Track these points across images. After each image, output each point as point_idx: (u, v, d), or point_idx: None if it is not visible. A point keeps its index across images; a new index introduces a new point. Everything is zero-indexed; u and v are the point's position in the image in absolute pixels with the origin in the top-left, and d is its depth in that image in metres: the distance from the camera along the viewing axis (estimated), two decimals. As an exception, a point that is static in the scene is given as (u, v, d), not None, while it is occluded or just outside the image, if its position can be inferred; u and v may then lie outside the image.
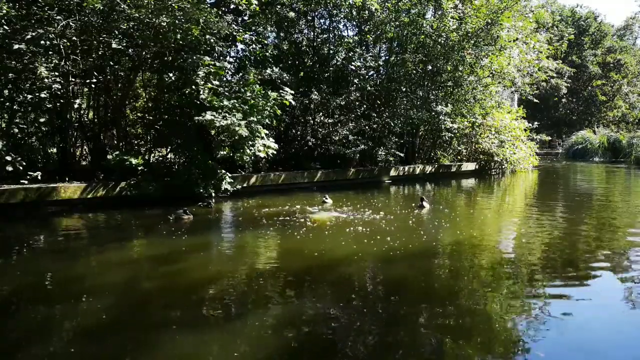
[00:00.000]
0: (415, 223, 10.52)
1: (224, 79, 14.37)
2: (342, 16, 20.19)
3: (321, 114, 19.45)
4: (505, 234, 10.08)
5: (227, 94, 13.79)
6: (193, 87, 13.33)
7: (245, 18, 16.45)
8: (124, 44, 13.06)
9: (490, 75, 22.40)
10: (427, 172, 22.52)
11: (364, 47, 20.77)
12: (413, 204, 12.53)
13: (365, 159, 20.31)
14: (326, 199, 13.09)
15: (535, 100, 34.41)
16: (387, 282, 6.83)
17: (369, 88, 19.98)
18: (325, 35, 20.53)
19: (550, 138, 54.86)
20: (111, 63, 13.91)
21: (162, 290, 6.33)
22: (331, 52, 20.04)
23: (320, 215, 11.02)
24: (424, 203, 12.38)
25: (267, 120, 14.06)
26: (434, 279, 6.86)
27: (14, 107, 12.23)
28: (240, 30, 15.18)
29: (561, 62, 47.35)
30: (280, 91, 14.56)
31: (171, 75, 13.98)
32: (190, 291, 6.29)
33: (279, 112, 14.48)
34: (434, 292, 6.35)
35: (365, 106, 20.12)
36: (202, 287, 6.48)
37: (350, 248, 8.26)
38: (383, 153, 20.39)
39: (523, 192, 18.53)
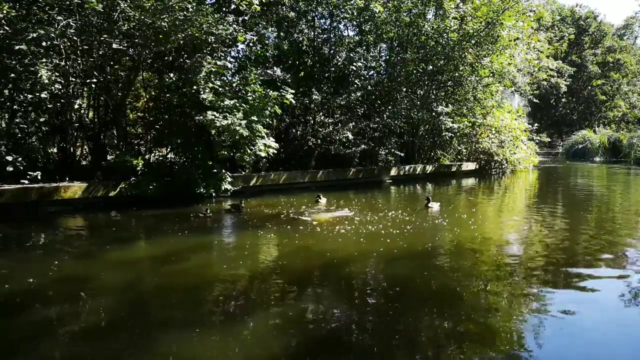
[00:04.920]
0: (416, 222, 10.40)
1: (225, 79, 14.41)
2: (342, 16, 20.13)
3: (322, 113, 19.33)
4: (507, 234, 9.99)
5: (228, 93, 13.83)
6: (194, 87, 13.36)
7: (246, 18, 16.37)
8: (125, 44, 13.04)
9: (491, 74, 22.36)
10: (428, 171, 22.41)
11: (364, 47, 20.73)
12: (425, 205, 12.32)
13: (366, 159, 20.25)
14: (320, 198, 12.99)
15: (536, 100, 34.46)
16: (390, 283, 6.74)
17: (369, 88, 19.88)
18: (325, 35, 20.47)
19: (550, 139, 54.79)
20: (111, 63, 13.88)
21: (164, 290, 6.29)
22: (332, 52, 20.01)
23: (321, 216, 10.98)
24: (431, 203, 12.26)
25: (267, 120, 14.13)
26: (436, 280, 6.76)
27: (15, 106, 12.21)
28: (241, 31, 15.14)
29: (561, 61, 47.34)
30: (281, 90, 14.52)
31: (172, 75, 13.93)
32: (192, 291, 6.22)
33: (279, 111, 14.48)
34: (437, 293, 6.28)
35: (366, 106, 20.01)
36: (204, 287, 6.41)
37: (352, 248, 8.21)
38: (383, 153, 20.37)
39: (523, 191, 18.38)
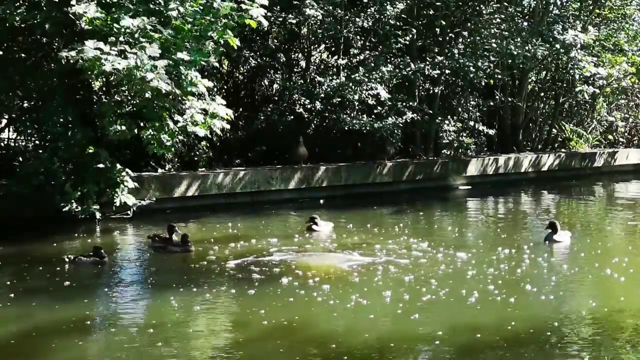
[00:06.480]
0: (526, 275, 7.84)
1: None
2: None
3: (323, 46, 14.78)
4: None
5: (129, 4, 10.08)
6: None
7: None
8: None
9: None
10: (543, 167, 16.86)
11: None
12: (548, 237, 9.62)
13: (415, 142, 15.55)
14: (316, 222, 10.51)
15: None
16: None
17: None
18: None
19: None
20: None
21: None
22: None
23: (319, 261, 8.95)
24: (559, 232, 9.76)
25: (211, 61, 10.72)
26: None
27: None
28: None
29: None
30: (240, 1, 10.39)
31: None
32: None
33: (234, 42, 10.25)
34: None
35: (415, 32, 14.78)
36: None
37: (387, 330, 5.98)
38: (452, 129, 15.20)
39: None
